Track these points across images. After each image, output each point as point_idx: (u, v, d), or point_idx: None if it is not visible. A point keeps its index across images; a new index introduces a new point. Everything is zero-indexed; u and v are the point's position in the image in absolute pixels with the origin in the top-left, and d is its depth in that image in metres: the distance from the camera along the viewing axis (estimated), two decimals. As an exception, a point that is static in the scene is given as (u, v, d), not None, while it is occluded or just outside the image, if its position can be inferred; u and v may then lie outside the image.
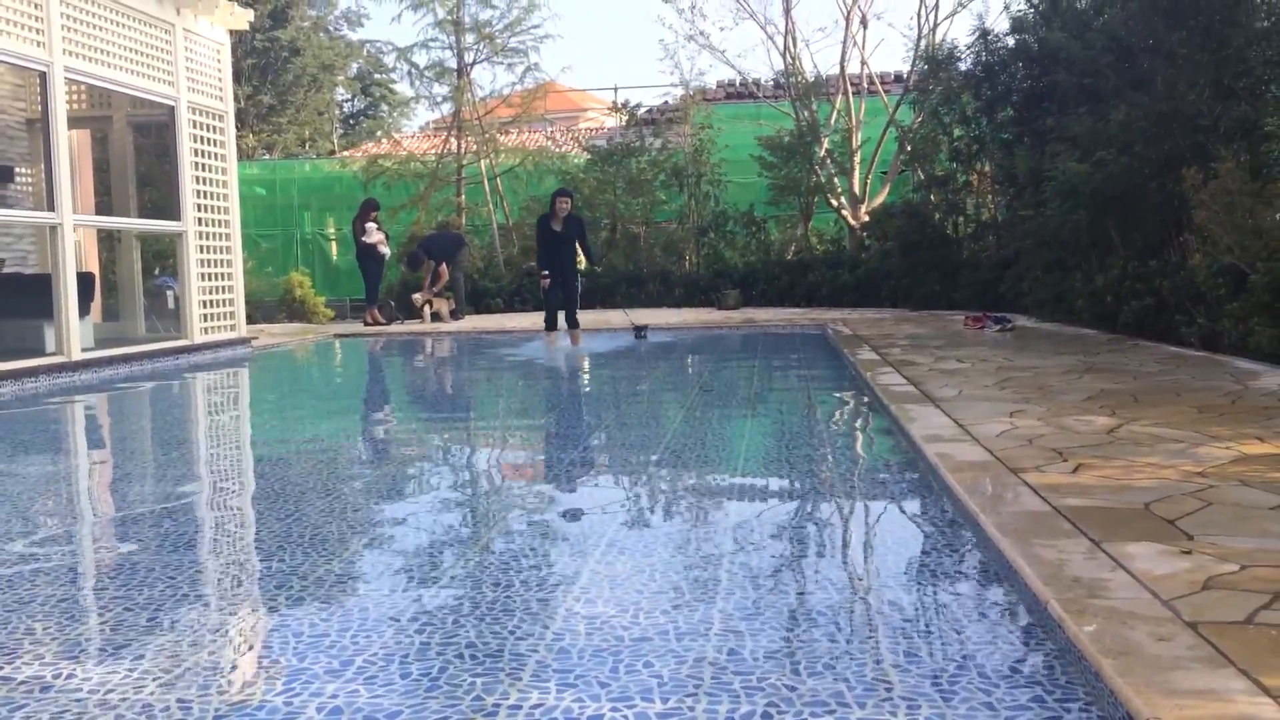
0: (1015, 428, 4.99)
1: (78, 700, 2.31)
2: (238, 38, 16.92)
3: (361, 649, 2.58)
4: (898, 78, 19.38)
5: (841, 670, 2.39)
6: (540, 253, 11.00)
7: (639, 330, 12.15)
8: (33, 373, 8.80)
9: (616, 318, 13.35)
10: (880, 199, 16.96)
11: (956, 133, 15.31)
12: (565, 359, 10.56)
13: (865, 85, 17.89)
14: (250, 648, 2.72)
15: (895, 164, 16.98)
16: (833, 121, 17.37)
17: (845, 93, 17.34)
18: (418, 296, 15.18)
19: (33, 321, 9.64)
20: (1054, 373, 7.16)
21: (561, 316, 11.09)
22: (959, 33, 54.59)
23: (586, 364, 10.41)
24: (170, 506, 4.37)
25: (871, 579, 3.16)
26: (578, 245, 11.10)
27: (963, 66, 14.86)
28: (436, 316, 15.09)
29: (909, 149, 16.31)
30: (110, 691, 2.36)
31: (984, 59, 14.11)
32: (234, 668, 2.55)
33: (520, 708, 2.23)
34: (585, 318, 11.85)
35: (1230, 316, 7.86)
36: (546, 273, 10.80)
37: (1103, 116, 10.05)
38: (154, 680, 2.42)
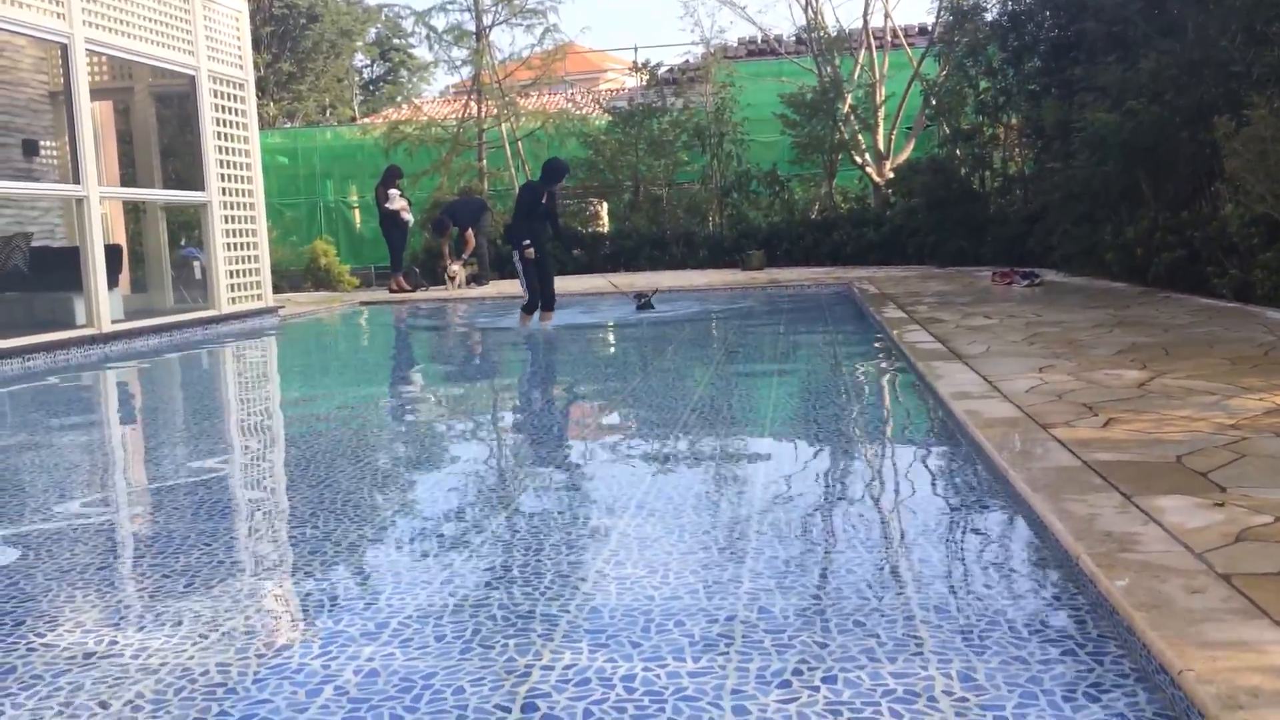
0: (1044, 383, 4.96)
1: (119, 665, 2.36)
2: (256, 5, 16.89)
3: (396, 611, 2.61)
4: (922, 30, 19.10)
5: (872, 626, 2.40)
6: (523, 222, 9.89)
7: (641, 300, 10.91)
8: (64, 345, 8.91)
9: (639, 281, 12.35)
10: (905, 155, 16.77)
11: (983, 85, 15.08)
12: (593, 325, 10.55)
13: (889, 39, 17.63)
14: (287, 611, 2.76)
15: (920, 119, 16.76)
16: (856, 77, 17.14)
17: (869, 47, 17.10)
18: (454, 269, 15.09)
19: (62, 294, 9.73)
20: (1083, 327, 7.10)
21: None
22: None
23: (611, 328, 10.40)
24: (206, 474, 4.42)
25: (901, 536, 3.15)
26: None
27: (989, 16, 14.61)
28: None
29: (934, 103, 16.09)
30: (151, 656, 2.40)
31: (1010, 8, 13.86)
32: (272, 631, 2.58)
33: (553, 669, 2.25)
34: (600, 282, 11.68)
35: (1263, 267, 7.74)
36: (529, 242, 9.72)
37: (1132, 65, 9.86)
38: (193, 644, 2.46)
